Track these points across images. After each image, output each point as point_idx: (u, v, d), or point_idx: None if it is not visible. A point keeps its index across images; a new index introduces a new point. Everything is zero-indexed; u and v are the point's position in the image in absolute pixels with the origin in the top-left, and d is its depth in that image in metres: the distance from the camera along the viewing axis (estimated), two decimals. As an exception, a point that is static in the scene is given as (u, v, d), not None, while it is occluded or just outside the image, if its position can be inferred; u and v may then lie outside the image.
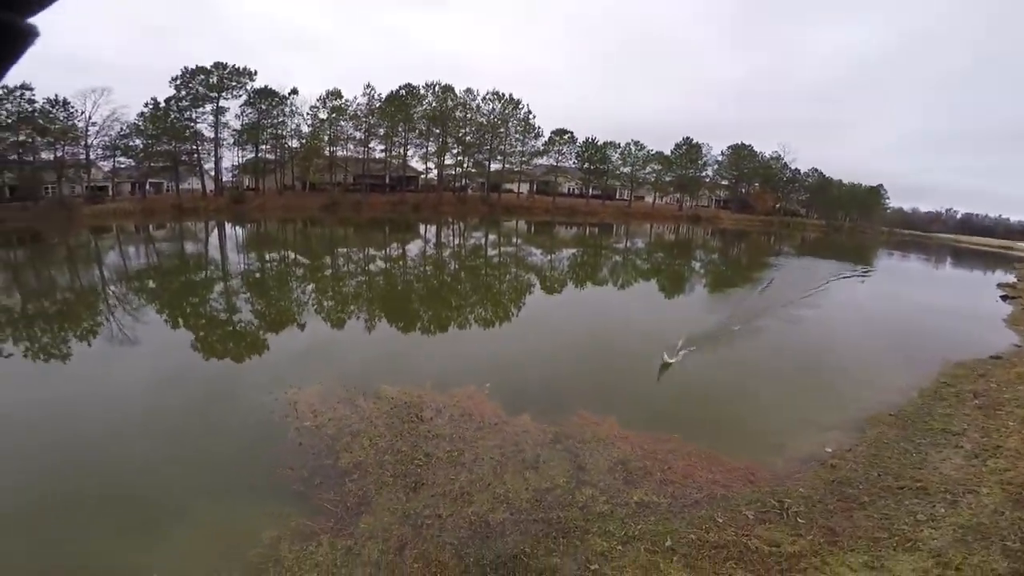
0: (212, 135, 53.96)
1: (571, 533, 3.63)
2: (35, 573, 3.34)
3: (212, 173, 56.44)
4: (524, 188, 63.65)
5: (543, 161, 61.05)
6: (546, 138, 58.97)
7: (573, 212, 54.12)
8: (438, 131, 56.73)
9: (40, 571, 3.35)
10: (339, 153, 56.99)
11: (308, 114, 55.93)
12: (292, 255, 21.06)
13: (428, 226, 34.02)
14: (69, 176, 51.05)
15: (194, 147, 53.29)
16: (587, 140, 59.67)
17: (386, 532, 3.68)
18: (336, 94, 55.63)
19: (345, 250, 23.04)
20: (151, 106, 51.48)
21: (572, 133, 59.83)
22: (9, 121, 48.00)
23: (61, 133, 49.12)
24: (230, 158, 56.97)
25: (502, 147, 58.79)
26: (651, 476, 4.65)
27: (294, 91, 55.46)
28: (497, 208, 55.02)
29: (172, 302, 12.86)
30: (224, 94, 53.67)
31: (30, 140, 48.70)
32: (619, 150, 61.75)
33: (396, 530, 3.72)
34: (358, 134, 57.11)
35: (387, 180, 59.38)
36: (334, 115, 55.03)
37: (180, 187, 54.92)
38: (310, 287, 15.02)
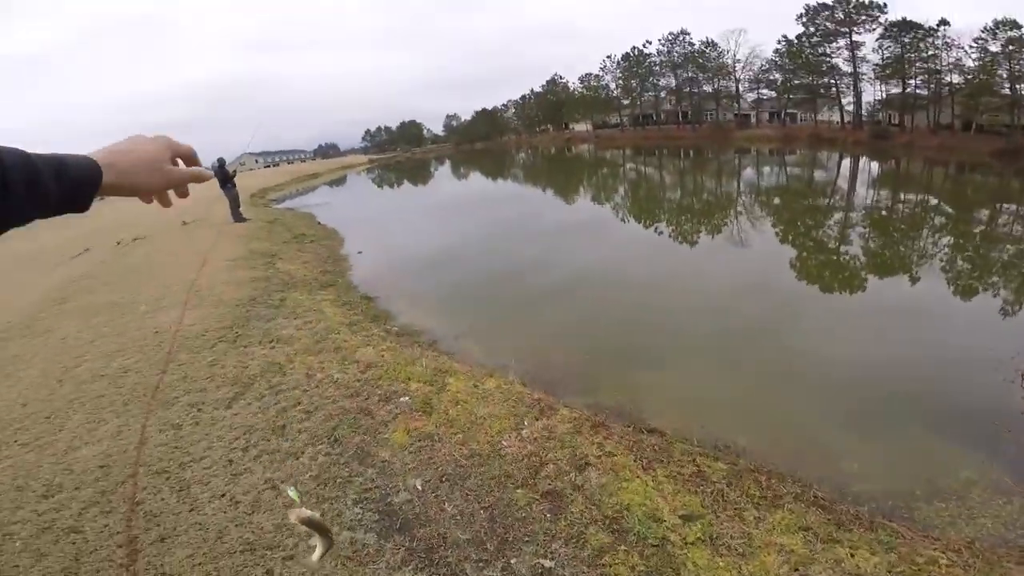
0: (850, 69, 51.54)
1: None
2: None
3: (849, 107, 54.09)
4: None
5: None
6: None
7: None
8: None
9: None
10: None
11: (972, 47, 43.52)
12: (934, 201, 17.49)
13: None
14: (722, 105, 62.28)
15: (831, 81, 52.84)
16: None
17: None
18: (1011, 23, 40.90)
19: (1014, 207, 17.14)
20: (783, 43, 53.74)
21: None
22: (679, 60, 62.45)
23: (716, 69, 60.16)
24: (871, 92, 52.54)
25: None
26: None
27: (943, 22, 44.25)
28: None
29: (790, 219, 13.31)
30: (855, 28, 49.52)
31: (694, 75, 61.99)
32: None
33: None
34: (1054, 71, 40.27)
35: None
36: (1010, 47, 40.99)
37: (817, 118, 55.95)
38: (946, 239, 12.12)
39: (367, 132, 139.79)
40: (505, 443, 3.18)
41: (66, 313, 6.56)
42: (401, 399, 3.66)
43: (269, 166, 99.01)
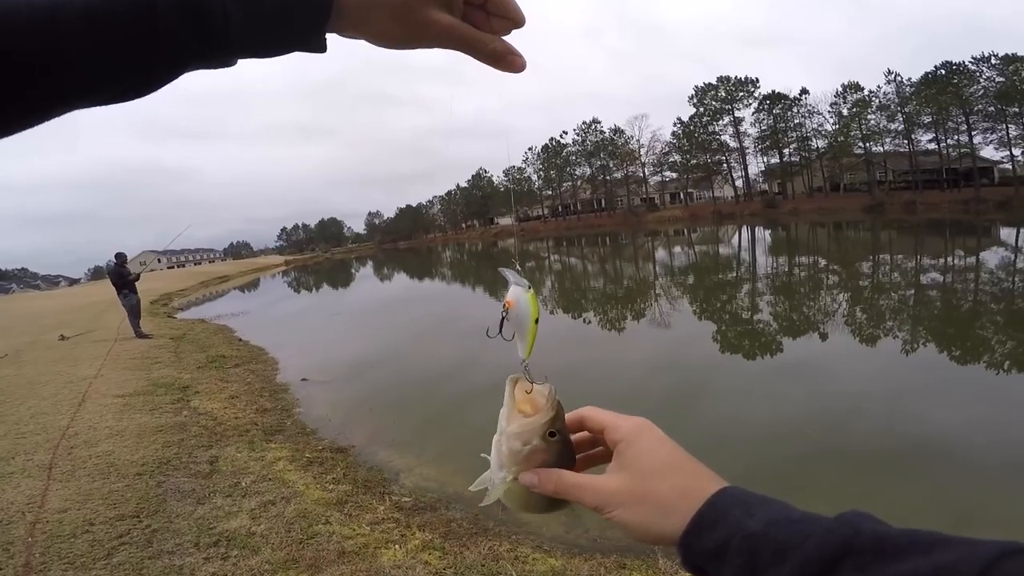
0: (736, 144, 56.72)
1: None
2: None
3: (739, 181, 59.28)
4: None
5: None
6: None
7: None
8: (1017, 110, 40.99)
9: None
10: (875, 149, 48.85)
11: (829, 112, 50.74)
12: (822, 261, 19.34)
13: (1021, 229, 24.40)
14: (632, 190, 65.62)
15: (722, 157, 57.69)
16: None
17: None
18: (854, 87, 49.04)
19: (888, 257, 19.32)
20: (679, 125, 59.03)
21: None
22: (592, 149, 65.95)
23: (624, 155, 63.84)
24: (756, 164, 58.32)
25: None
26: None
27: (804, 91, 52.14)
28: None
29: (704, 297, 14.02)
30: (736, 105, 55.59)
31: (605, 163, 65.39)
32: None
33: None
34: (894, 125, 47.47)
35: (943, 175, 46.65)
36: (856, 109, 48.35)
37: (715, 195, 60.23)
38: (841, 295, 13.17)
39: (283, 230, 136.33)
40: None
41: None
42: None
43: (173, 267, 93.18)
